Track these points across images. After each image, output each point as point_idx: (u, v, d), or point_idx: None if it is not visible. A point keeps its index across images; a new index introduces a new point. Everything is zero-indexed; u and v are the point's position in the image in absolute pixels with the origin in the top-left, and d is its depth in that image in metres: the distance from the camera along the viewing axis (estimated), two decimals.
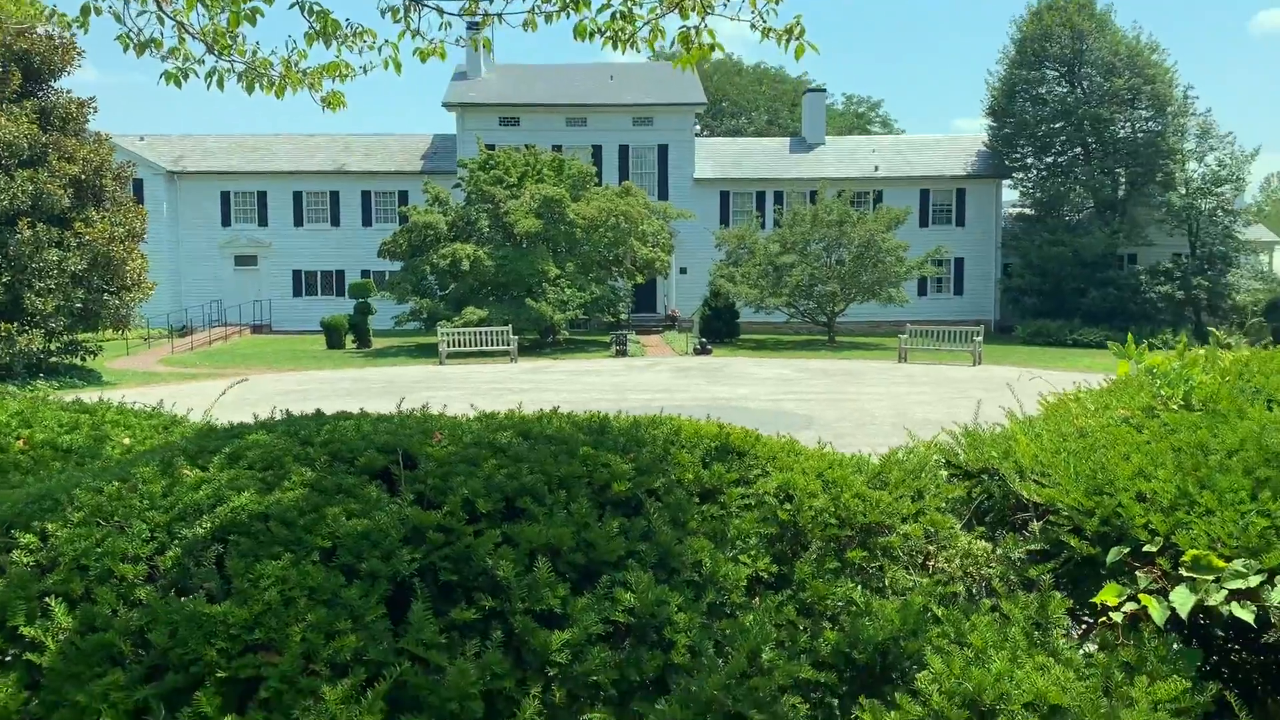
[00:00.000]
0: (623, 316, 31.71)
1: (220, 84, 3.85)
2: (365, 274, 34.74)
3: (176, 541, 2.18)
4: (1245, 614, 2.19)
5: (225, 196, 36.79)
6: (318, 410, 3.01)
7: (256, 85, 3.97)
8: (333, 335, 29.88)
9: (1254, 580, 2.23)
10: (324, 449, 2.57)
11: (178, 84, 3.82)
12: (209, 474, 2.43)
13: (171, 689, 1.91)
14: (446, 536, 2.29)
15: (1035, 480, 2.90)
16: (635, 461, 2.74)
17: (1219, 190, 33.99)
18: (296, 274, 37.28)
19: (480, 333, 25.47)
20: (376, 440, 2.61)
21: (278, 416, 2.96)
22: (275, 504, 2.28)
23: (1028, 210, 37.28)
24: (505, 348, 25.21)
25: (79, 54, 21.18)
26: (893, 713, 2.25)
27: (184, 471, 2.42)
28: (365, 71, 4.09)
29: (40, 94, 21.06)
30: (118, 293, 20.91)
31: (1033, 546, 2.79)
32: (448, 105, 35.69)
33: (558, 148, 33.53)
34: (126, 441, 3.28)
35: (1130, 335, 3.52)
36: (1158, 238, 34.54)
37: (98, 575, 2.10)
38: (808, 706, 2.39)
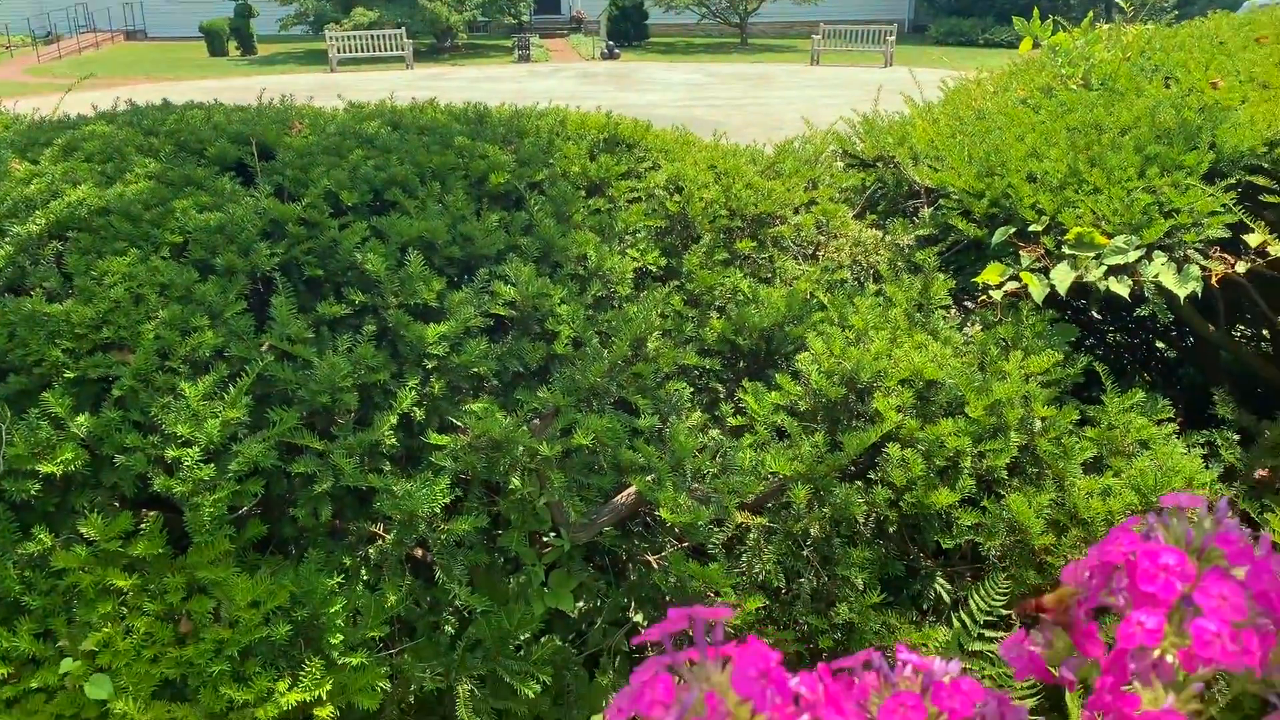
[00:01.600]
0: (525, 19, 30.07)
1: None
2: None
3: (7, 239, 2.00)
4: (1121, 288, 2.22)
5: None
6: (164, 100, 2.75)
7: None
8: (214, 41, 27.85)
9: (1133, 256, 2.24)
10: (170, 139, 2.35)
11: None
12: (41, 167, 2.21)
13: (17, 391, 1.81)
14: (309, 230, 2.15)
15: (929, 165, 2.84)
16: (516, 153, 2.58)
17: None
18: None
19: (372, 36, 23.96)
20: (229, 130, 2.39)
21: (121, 108, 2.69)
22: (117, 197, 2.09)
23: None
24: (400, 53, 23.85)
25: None
26: (774, 393, 2.28)
27: (13, 165, 2.19)
28: None
29: None
30: None
31: (921, 232, 2.76)
32: None
33: None
34: None
35: (1036, 10, 3.36)
36: None
37: None
38: (692, 391, 2.41)
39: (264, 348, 1.97)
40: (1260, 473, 2.32)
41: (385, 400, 2.02)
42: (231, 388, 1.83)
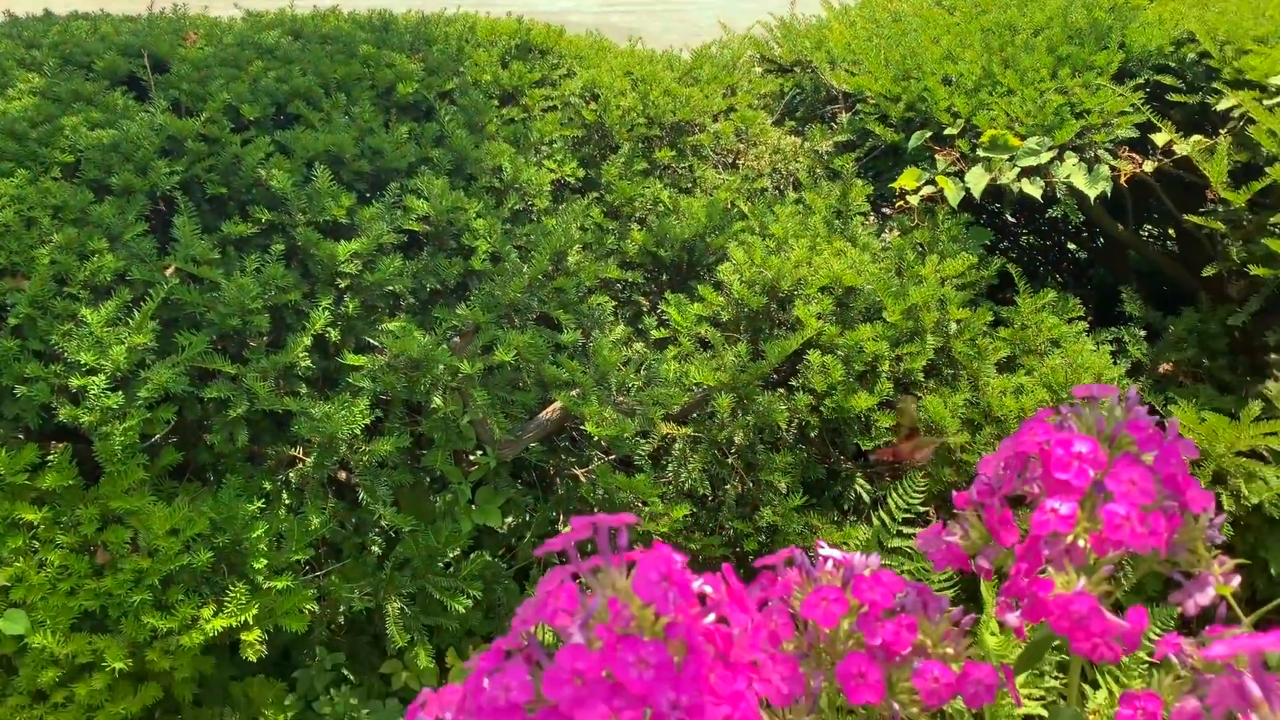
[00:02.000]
0: None
1: None
2: None
3: None
4: (1034, 190, 2.24)
5: None
6: (46, 11, 2.59)
7: None
8: None
9: (1045, 157, 2.27)
10: (54, 52, 2.21)
11: None
12: None
13: None
14: (210, 147, 2.06)
15: (846, 70, 2.82)
16: (425, 62, 2.50)
17: None
18: None
19: None
20: (118, 42, 2.27)
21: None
22: (0, 116, 1.97)
23: None
24: None
25: None
26: (696, 304, 2.27)
27: None
28: None
29: None
30: None
31: (840, 138, 2.75)
32: None
33: None
34: None
35: None
36: None
37: None
38: (615, 305, 2.39)
39: (168, 270, 1.89)
40: (1165, 367, 2.41)
41: (298, 321, 1.97)
42: (136, 312, 1.77)
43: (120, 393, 1.72)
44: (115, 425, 1.70)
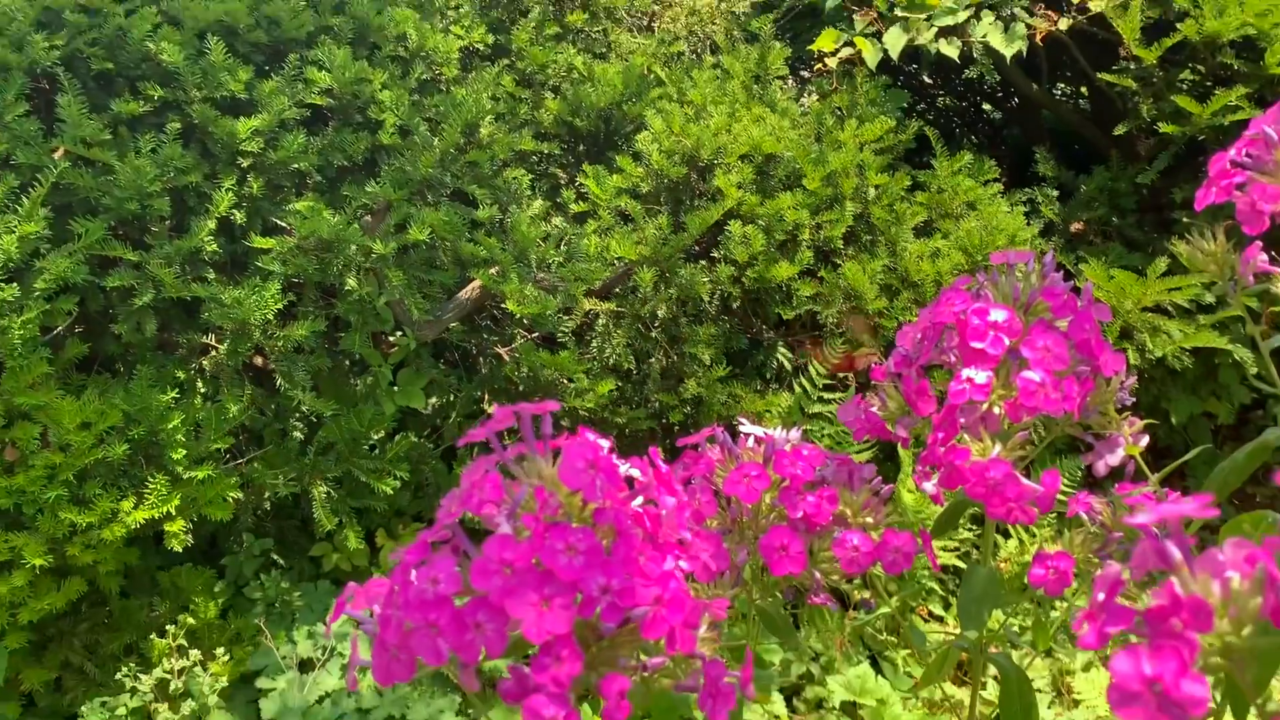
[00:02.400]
0: None
1: None
2: None
3: None
4: (951, 50, 2.22)
5: None
6: None
7: None
8: None
9: (962, 15, 2.24)
10: None
11: None
12: None
13: None
14: (91, 18, 1.93)
15: None
16: None
17: None
18: None
19: None
20: None
21: None
22: None
23: None
24: None
25: None
26: (615, 176, 2.23)
27: None
28: None
29: None
30: None
31: None
32: None
33: None
34: None
35: None
36: None
37: None
38: (532, 178, 2.34)
39: (57, 153, 1.79)
40: (1076, 226, 2.45)
41: (200, 204, 1.89)
42: (25, 199, 1.67)
43: (15, 284, 1.64)
44: (13, 318, 1.63)
